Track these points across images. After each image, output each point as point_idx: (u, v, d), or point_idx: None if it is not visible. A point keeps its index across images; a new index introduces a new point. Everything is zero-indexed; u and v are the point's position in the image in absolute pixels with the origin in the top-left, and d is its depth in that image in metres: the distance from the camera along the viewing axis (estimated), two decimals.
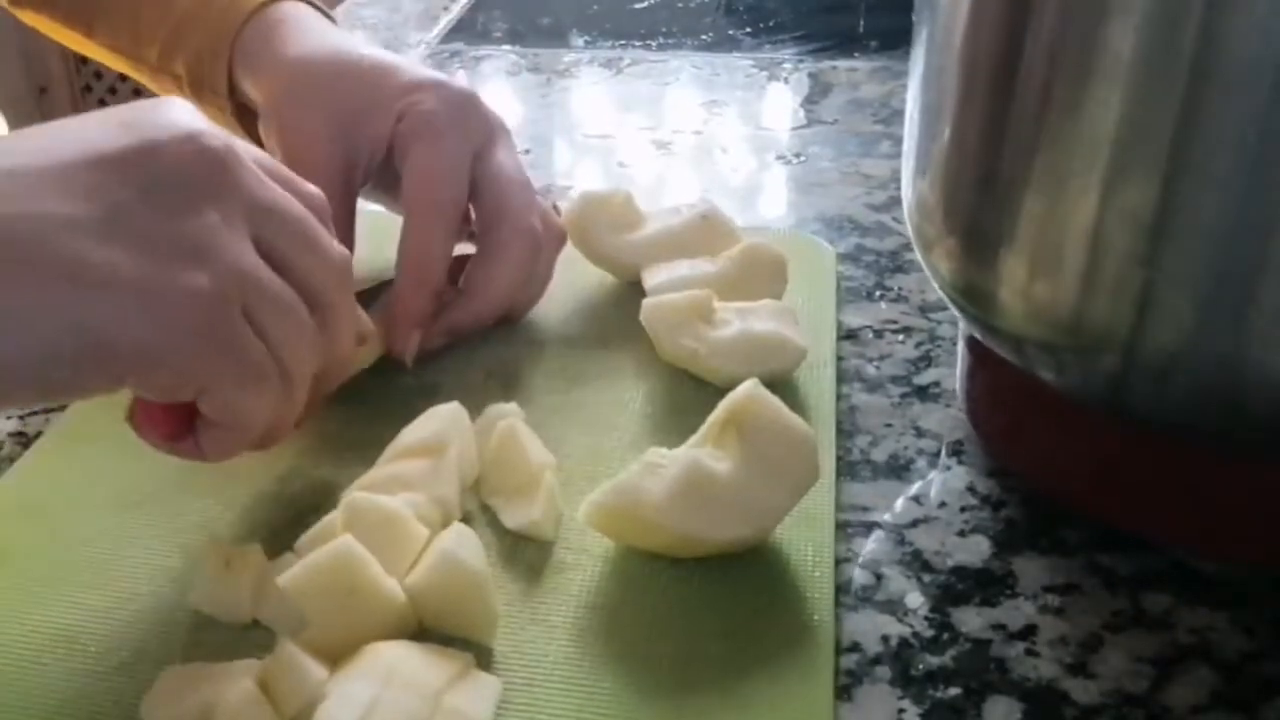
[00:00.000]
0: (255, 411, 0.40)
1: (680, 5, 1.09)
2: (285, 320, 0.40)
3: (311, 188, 0.44)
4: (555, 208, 0.59)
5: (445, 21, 1.06)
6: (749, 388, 0.43)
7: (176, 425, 0.41)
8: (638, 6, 1.10)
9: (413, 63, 0.58)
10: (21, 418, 0.53)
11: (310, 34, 0.59)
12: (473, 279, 0.55)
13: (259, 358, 0.39)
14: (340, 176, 0.55)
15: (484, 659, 0.39)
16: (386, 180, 0.57)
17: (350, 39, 0.61)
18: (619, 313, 0.58)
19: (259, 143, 0.59)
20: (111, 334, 0.35)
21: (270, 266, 0.40)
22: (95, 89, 2.22)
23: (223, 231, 0.38)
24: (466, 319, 0.55)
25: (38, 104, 2.17)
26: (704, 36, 1.01)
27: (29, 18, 0.71)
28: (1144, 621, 0.42)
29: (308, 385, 0.43)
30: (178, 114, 0.39)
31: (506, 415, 0.48)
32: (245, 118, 0.60)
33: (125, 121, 0.38)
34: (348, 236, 0.55)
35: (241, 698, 0.35)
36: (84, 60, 2.10)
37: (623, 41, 1.00)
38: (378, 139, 0.55)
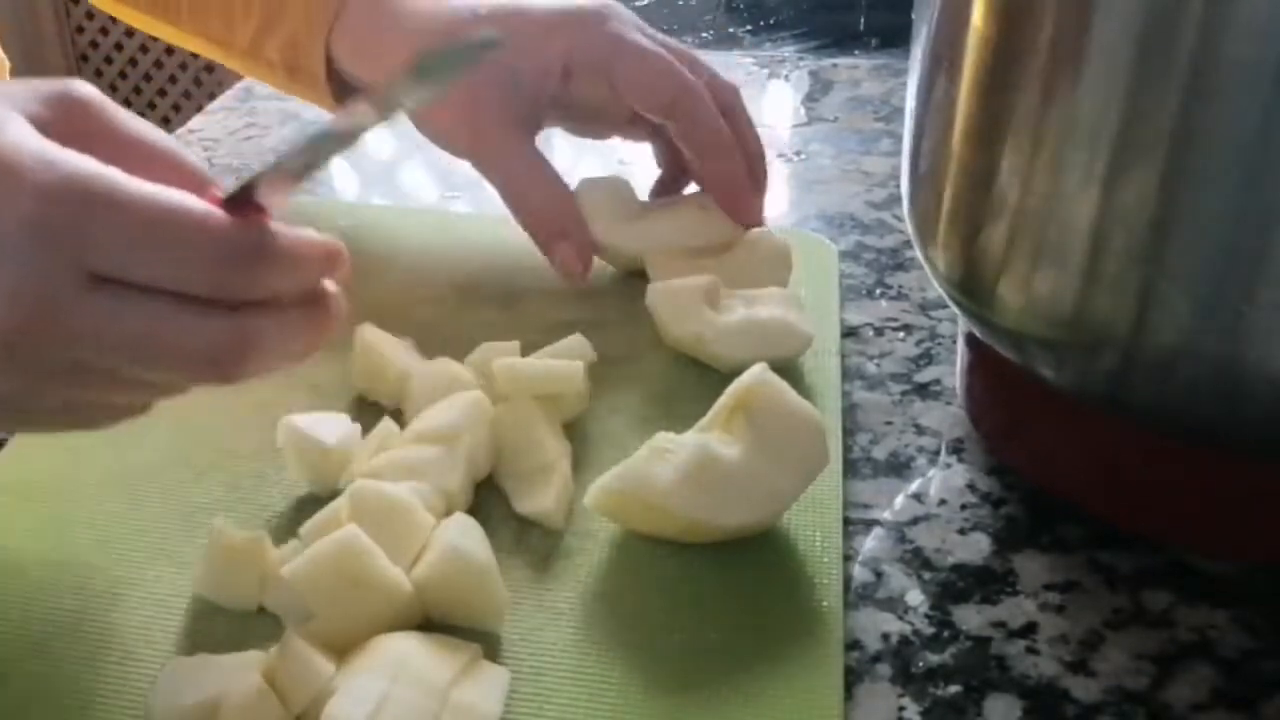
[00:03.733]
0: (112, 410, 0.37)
1: (680, 2, 1.09)
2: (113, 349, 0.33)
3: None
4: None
5: None
6: (757, 372, 0.43)
7: None
8: (638, 4, 1.10)
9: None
10: None
11: (419, 2, 0.58)
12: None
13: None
14: (523, 116, 0.57)
15: (491, 646, 0.39)
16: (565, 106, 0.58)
17: None
18: (622, 300, 0.58)
19: None
20: None
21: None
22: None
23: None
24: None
25: None
26: (704, 34, 1.01)
27: (110, 7, 0.69)
28: (1144, 619, 0.42)
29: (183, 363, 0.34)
30: None
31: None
32: (349, 98, 0.59)
33: None
34: (543, 176, 0.57)
35: (248, 692, 0.35)
36: (84, 58, 2.10)
37: None
38: (547, 74, 0.56)
